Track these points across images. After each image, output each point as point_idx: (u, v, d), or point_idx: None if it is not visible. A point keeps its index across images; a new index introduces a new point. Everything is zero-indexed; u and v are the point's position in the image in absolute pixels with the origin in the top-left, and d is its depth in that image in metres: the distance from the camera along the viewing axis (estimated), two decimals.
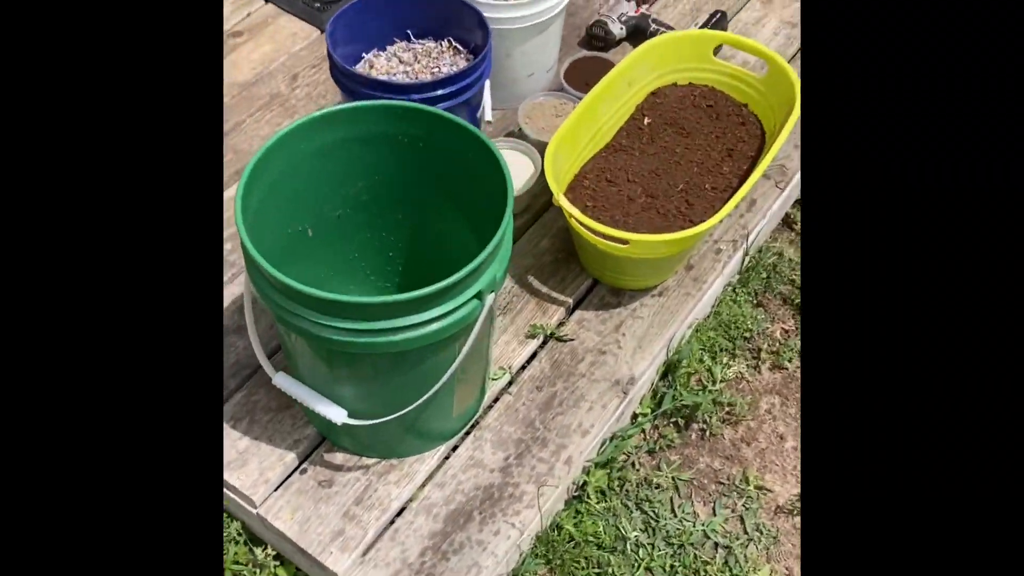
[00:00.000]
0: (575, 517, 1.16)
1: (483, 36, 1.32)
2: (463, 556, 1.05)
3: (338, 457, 1.12)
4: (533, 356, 1.23)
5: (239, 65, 1.61)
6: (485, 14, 1.35)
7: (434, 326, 0.89)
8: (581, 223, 1.15)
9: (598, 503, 1.17)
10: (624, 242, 1.14)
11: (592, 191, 1.27)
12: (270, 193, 0.99)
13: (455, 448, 1.14)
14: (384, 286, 1.24)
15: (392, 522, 1.07)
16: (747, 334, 1.37)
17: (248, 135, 1.49)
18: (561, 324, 1.26)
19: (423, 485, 1.10)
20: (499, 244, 0.91)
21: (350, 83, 1.26)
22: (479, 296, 0.91)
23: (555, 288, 1.29)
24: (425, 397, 0.97)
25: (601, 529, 1.15)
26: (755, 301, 1.41)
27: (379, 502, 1.08)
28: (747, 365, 1.35)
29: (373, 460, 1.12)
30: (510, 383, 1.20)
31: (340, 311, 0.86)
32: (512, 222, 0.97)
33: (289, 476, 1.10)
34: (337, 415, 1.00)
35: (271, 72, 1.59)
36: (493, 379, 1.19)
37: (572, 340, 1.24)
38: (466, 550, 1.05)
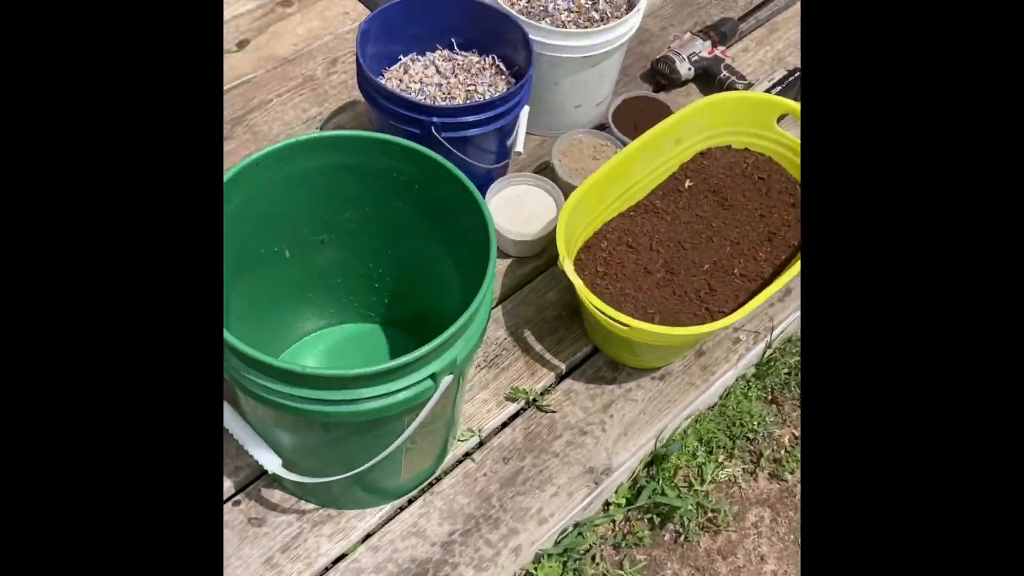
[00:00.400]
0: None
1: (526, 59, 1.21)
2: None
3: (276, 494, 1.04)
4: (508, 422, 1.13)
5: (281, 38, 1.52)
6: (536, 38, 1.24)
7: (374, 404, 0.80)
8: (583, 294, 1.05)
9: None
10: (624, 325, 1.03)
11: (608, 255, 1.16)
12: (240, 211, 0.90)
13: (402, 508, 1.06)
14: (367, 314, 1.15)
15: None
16: (751, 434, 1.25)
17: (270, 116, 1.41)
18: (546, 391, 1.16)
19: (357, 544, 1.02)
20: (465, 325, 0.81)
21: (372, 91, 1.16)
22: (433, 378, 0.81)
23: (550, 348, 1.19)
24: (363, 468, 0.89)
25: None
26: (769, 398, 1.29)
27: (306, 554, 1.00)
28: (743, 469, 1.23)
29: (311, 506, 1.04)
30: (479, 445, 1.11)
31: (273, 373, 0.78)
32: (490, 295, 0.87)
33: None
34: (271, 463, 0.92)
35: (311, 51, 1.51)
36: (460, 439, 1.10)
37: (554, 412, 1.14)
38: None
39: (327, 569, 1.00)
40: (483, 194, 1.25)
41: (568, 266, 1.05)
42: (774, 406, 1.29)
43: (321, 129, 1.40)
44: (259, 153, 0.88)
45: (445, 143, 1.14)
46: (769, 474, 1.23)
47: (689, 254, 1.18)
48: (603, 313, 1.03)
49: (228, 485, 1.04)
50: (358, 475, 0.92)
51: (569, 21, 1.31)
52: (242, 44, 1.51)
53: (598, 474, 1.09)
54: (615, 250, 1.17)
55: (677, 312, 1.11)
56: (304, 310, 1.11)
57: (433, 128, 1.13)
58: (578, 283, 1.04)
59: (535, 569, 1.06)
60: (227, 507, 1.03)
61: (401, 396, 0.80)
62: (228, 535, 1.01)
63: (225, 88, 1.44)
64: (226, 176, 0.86)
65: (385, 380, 0.79)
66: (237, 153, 1.35)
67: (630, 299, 1.12)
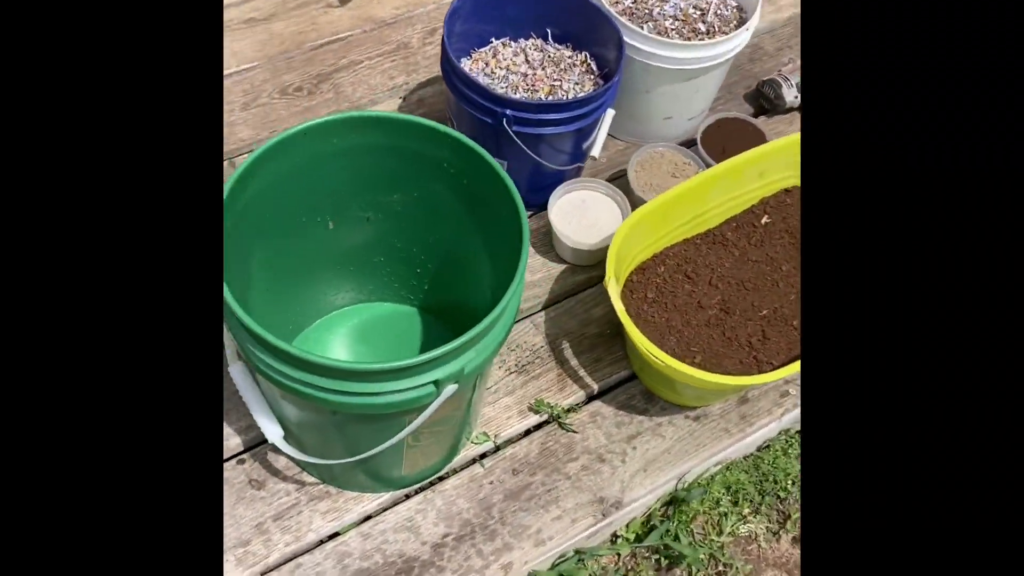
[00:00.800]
0: None
1: (616, 62, 1.16)
2: None
3: (281, 460, 1.04)
4: (526, 434, 1.10)
5: (384, 0, 1.50)
6: (631, 42, 1.18)
7: (372, 400, 0.77)
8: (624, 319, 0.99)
9: None
10: (659, 360, 0.98)
11: (662, 281, 1.10)
12: (284, 177, 0.89)
13: (403, 499, 1.03)
14: (407, 297, 1.13)
15: (300, 555, 0.99)
16: (782, 493, 1.18)
17: (357, 78, 1.39)
18: (572, 410, 1.11)
19: (350, 527, 1.01)
20: (475, 338, 0.77)
21: (451, 72, 1.13)
22: (436, 384, 0.78)
23: (586, 366, 1.15)
24: (359, 457, 0.87)
25: None
26: None
27: (297, 527, 0.99)
28: (767, 527, 1.16)
29: (312, 479, 1.03)
30: (495, 450, 1.08)
31: (271, 350, 0.76)
32: (512, 310, 0.83)
33: (225, 461, 1.03)
34: (272, 433, 0.91)
35: (411, 18, 1.48)
36: (474, 442, 1.07)
37: (575, 432, 1.10)
38: None
39: (315, 546, 0.99)
40: (550, 194, 1.21)
41: (612, 287, 1.00)
42: None
43: (404, 100, 1.38)
44: (309, 123, 0.86)
45: (515, 137, 1.11)
46: (793, 538, 1.16)
47: (749, 295, 1.11)
48: (638, 344, 0.98)
49: (236, 443, 1.04)
50: (357, 462, 0.90)
51: (672, 30, 1.25)
52: (345, 0, 1.49)
53: (607, 506, 1.05)
54: (671, 277, 1.11)
55: (722, 355, 1.05)
56: (343, 282, 1.09)
57: (504, 120, 1.09)
58: (619, 307, 0.99)
59: None
60: (231, 464, 1.03)
61: (400, 397, 0.78)
62: (226, 492, 1.01)
63: (319, 43, 1.43)
64: (272, 141, 0.85)
65: (386, 379, 0.76)
66: (315, 111, 1.34)
67: (675, 332, 1.06)
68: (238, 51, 1.41)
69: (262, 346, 0.77)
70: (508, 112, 1.09)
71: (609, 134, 1.37)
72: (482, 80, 1.20)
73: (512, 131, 1.10)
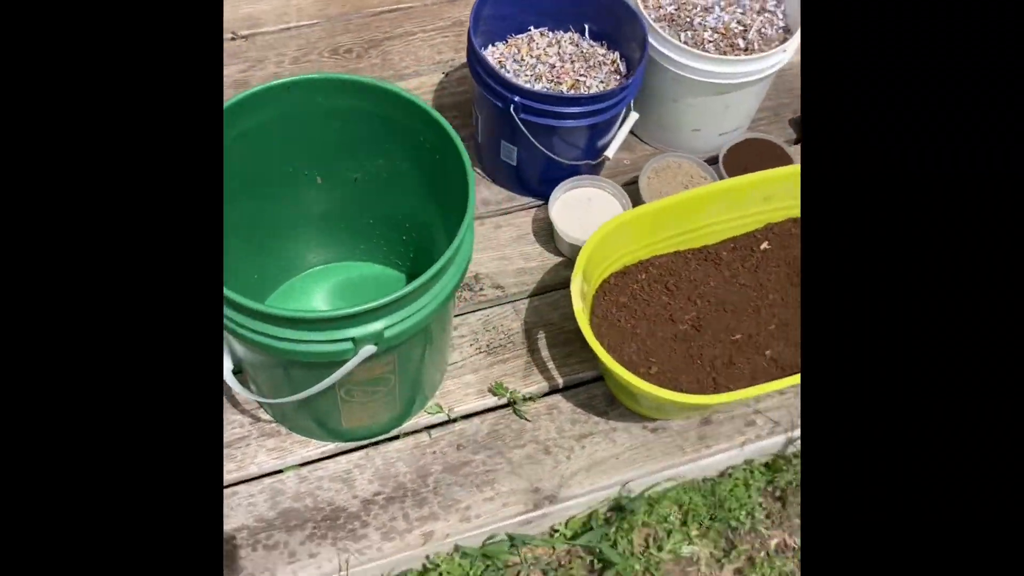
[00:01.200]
0: None
1: (639, 60, 1.16)
2: (269, 557, 1.00)
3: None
4: (480, 413, 1.12)
5: None
6: (660, 48, 1.18)
7: (290, 347, 0.81)
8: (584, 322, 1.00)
9: None
10: (599, 359, 0.98)
11: (639, 288, 1.10)
12: (268, 127, 0.93)
13: (345, 452, 1.08)
14: (396, 262, 1.17)
15: (238, 483, 1.04)
16: (734, 523, 1.16)
17: (406, 49, 1.43)
18: (530, 399, 1.13)
19: (290, 468, 1.06)
20: (392, 306, 0.80)
21: (471, 54, 1.16)
22: (354, 341, 0.82)
23: (555, 359, 1.16)
24: (288, 399, 0.92)
25: None
26: (775, 495, 1.19)
27: (241, 458, 1.05)
28: (711, 553, 1.15)
29: (268, 417, 1.08)
30: (446, 422, 1.11)
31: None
32: (445, 287, 0.85)
33: None
34: (224, 365, 0.97)
35: None
36: (428, 412, 1.10)
37: (528, 421, 1.11)
38: (276, 552, 1.00)
39: (253, 479, 1.05)
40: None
41: (576, 284, 1.00)
42: (779, 504, 1.19)
43: (446, 76, 1.41)
44: (293, 78, 0.91)
45: (522, 126, 1.12)
46: (736, 569, 1.14)
47: (726, 317, 1.09)
48: (588, 340, 0.99)
49: None
50: (299, 405, 0.95)
51: (710, 41, 1.23)
52: None
53: (541, 497, 1.06)
54: (649, 287, 1.11)
55: (679, 371, 1.04)
56: (333, 239, 1.14)
57: (512, 108, 1.11)
58: (577, 304, 0.99)
59: (442, 562, 1.05)
60: None
61: (318, 348, 0.81)
62: None
63: (378, 10, 1.48)
64: (253, 90, 0.89)
65: (302, 328, 0.80)
66: (358, 74, 1.39)
67: (637, 340, 1.06)
68: (302, 7, 1.47)
69: None
70: (516, 99, 1.10)
71: (640, 138, 1.36)
72: (510, 66, 1.22)
73: (519, 119, 1.12)
